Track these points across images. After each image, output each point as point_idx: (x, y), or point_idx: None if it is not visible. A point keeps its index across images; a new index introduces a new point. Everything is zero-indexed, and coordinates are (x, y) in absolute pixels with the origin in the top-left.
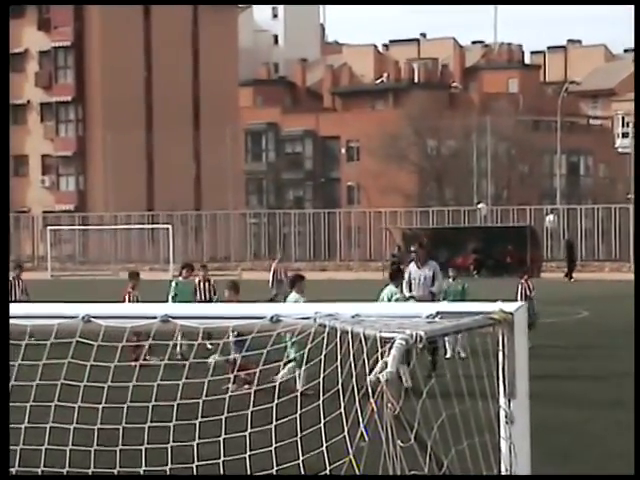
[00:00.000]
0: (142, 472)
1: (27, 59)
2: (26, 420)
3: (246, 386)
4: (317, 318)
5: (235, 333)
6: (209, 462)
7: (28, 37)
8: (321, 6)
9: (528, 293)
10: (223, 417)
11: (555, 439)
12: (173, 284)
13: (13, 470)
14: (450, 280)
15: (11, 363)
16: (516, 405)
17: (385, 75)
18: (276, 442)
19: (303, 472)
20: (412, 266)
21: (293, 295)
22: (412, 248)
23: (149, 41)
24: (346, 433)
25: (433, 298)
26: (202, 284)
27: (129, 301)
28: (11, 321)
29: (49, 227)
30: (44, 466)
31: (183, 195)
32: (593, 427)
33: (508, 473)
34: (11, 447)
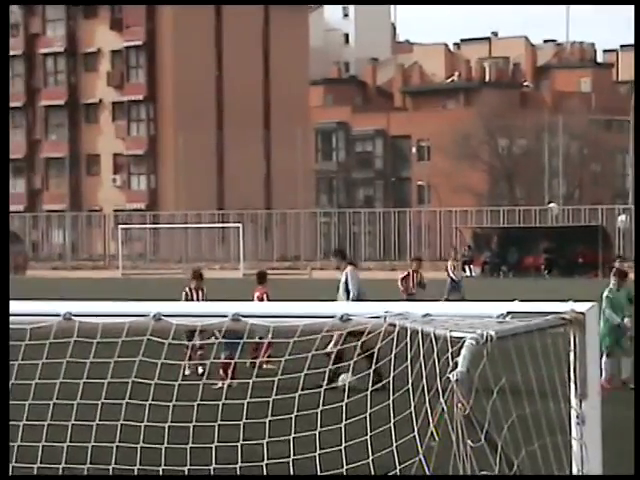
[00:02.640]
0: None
1: (99, 58)
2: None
3: (220, 383)
4: (387, 317)
5: (222, 333)
6: (279, 461)
7: (100, 37)
8: (392, 6)
9: None
10: (293, 415)
11: (628, 440)
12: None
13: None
14: (611, 287)
15: (81, 361)
16: (587, 405)
17: (456, 74)
18: (346, 441)
19: (373, 472)
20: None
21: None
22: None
23: (220, 41)
24: (416, 433)
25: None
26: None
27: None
28: (79, 319)
29: (120, 226)
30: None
31: (253, 194)
32: None
33: (580, 474)
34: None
